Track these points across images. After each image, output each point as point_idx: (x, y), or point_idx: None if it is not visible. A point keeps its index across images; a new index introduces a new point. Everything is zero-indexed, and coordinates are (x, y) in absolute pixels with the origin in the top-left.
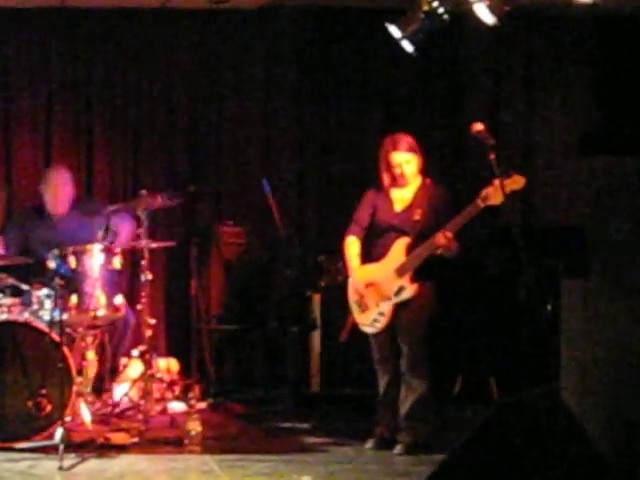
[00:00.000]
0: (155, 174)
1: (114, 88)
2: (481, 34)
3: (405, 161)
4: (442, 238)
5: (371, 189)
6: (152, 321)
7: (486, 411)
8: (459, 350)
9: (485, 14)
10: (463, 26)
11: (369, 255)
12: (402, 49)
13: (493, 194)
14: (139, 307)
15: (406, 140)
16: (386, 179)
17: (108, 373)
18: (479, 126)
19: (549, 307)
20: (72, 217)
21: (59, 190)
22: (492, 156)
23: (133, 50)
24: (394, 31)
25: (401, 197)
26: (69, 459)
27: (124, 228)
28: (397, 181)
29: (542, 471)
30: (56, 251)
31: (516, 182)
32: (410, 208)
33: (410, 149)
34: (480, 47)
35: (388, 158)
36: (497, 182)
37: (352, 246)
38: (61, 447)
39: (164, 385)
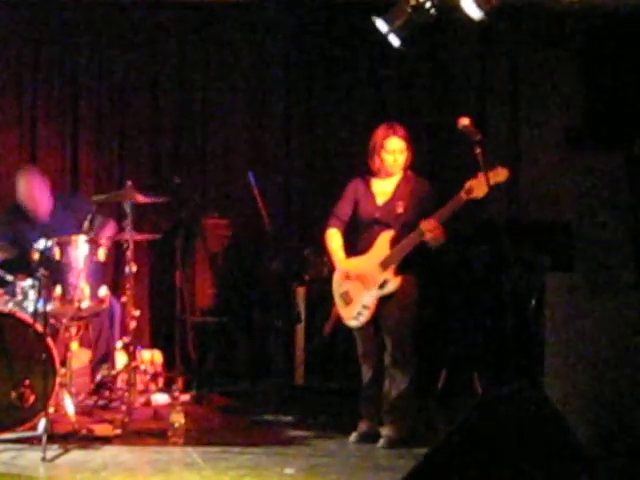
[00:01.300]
0: (141, 166)
1: (100, 81)
2: (468, 28)
3: (399, 149)
4: (427, 224)
5: (353, 181)
6: (136, 313)
7: (470, 405)
8: (443, 344)
9: (472, 9)
10: (450, 20)
11: (354, 248)
12: (389, 43)
13: (477, 187)
14: (123, 299)
15: (403, 129)
16: (375, 164)
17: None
18: (465, 121)
19: (533, 302)
20: (55, 214)
21: (33, 195)
22: (478, 151)
23: (119, 42)
24: (381, 25)
25: (383, 190)
26: (52, 450)
27: (107, 228)
28: (384, 170)
29: (525, 465)
30: (41, 241)
31: (500, 174)
32: (392, 200)
33: (405, 138)
34: (466, 42)
35: (384, 143)
36: (481, 175)
37: (334, 238)
38: (44, 438)
39: (148, 377)
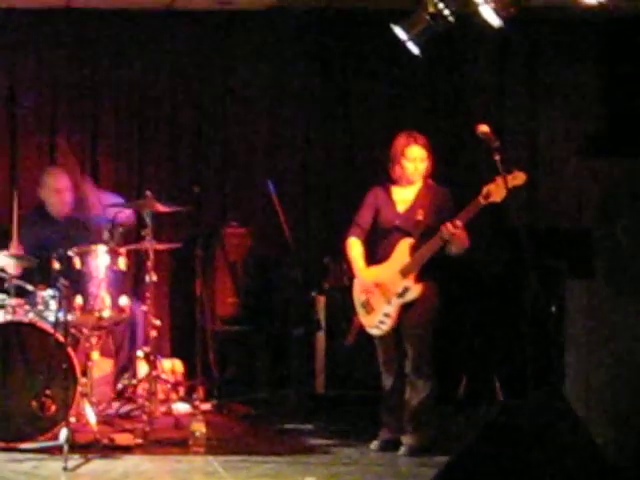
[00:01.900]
0: (160, 175)
1: (120, 89)
2: (486, 36)
3: (420, 157)
4: (451, 228)
5: (373, 189)
6: (157, 322)
7: (491, 413)
8: (464, 351)
9: (491, 16)
10: (468, 28)
11: (373, 256)
12: (407, 50)
13: (495, 191)
14: (144, 308)
15: (424, 138)
16: (396, 173)
17: (119, 373)
18: (484, 127)
19: (554, 308)
20: (75, 217)
21: (59, 193)
22: (497, 157)
23: (139, 51)
24: (399, 32)
25: (403, 198)
26: (73, 460)
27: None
28: (405, 178)
29: (546, 473)
30: (61, 251)
31: (518, 178)
32: (413, 208)
33: (426, 147)
34: (485, 49)
35: (404, 151)
36: (499, 179)
37: (354, 247)
38: (65, 448)
39: (169, 386)
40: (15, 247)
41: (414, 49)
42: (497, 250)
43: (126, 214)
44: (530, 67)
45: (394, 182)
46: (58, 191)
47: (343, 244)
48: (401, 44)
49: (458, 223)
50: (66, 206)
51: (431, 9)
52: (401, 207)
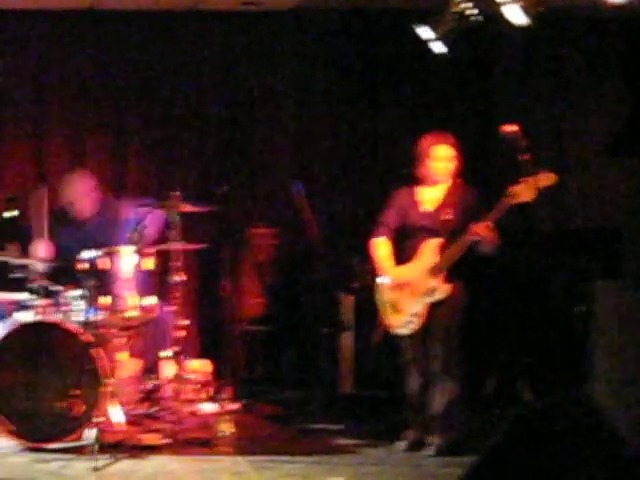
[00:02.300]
0: (187, 176)
1: (145, 90)
2: (512, 35)
3: (447, 157)
4: (480, 228)
5: (399, 189)
6: (185, 322)
7: (517, 413)
8: (490, 351)
9: (517, 15)
10: (493, 27)
11: (401, 256)
12: (433, 50)
13: (523, 191)
14: (172, 309)
15: (450, 137)
16: (421, 173)
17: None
18: (512, 128)
19: (582, 309)
20: (100, 218)
21: (84, 195)
22: (524, 157)
23: (164, 53)
24: (425, 32)
25: (431, 197)
26: (101, 460)
27: (153, 221)
28: (431, 177)
29: (573, 475)
30: (89, 252)
31: (547, 178)
32: (440, 208)
33: (454, 147)
34: (511, 48)
35: (431, 151)
36: (527, 179)
37: (381, 247)
38: (94, 448)
39: (196, 386)
40: (43, 247)
41: (440, 49)
42: (525, 250)
43: (157, 215)
44: (556, 66)
45: (420, 182)
46: (82, 194)
47: (369, 244)
48: (426, 44)
49: (486, 224)
50: (89, 208)
51: (456, 9)
52: (428, 207)
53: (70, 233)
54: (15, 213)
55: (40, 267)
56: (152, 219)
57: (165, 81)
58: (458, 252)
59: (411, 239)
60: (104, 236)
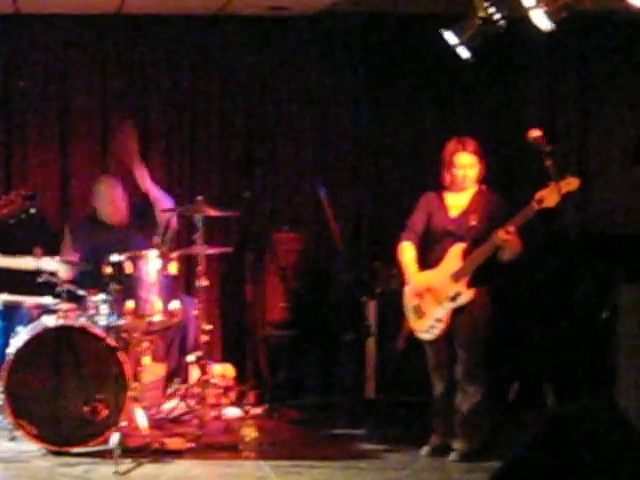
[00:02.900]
0: (211, 180)
1: (170, 94)
2: (537, 39)
3: (469, 164)
4: (505, 233)
5: (426, 194)
6: (208, 327)
7: (542, 418)
8: (515, 356)
9: (542, 20)
10: (519, 32)
11: (425, 261)
12: (458, 55)
13: (548, 196)
14: (195, 313)
15: (473, 143)
16: (446, 180)
17: (170, 378)
18: (536, 132)
19: (606, 313)
20: (129, 224)
21: (112, 201)
22: (549, 162)
23: (189, 57)
24: (450, 37)
25: (457, 203)
26: (125, 464)
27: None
28: (456, 184)
29: None
30: (113, 256)
31: (571, 184)
32: (466, 214)
33: (475, 153)
34: (535, 53)
35: (453, 159)
36: (552, 184)
37: (407, 252)
38: (117, 452)
39: (219, 391)
40: (68, 253)
41: (465, 54)
42: (549, 255)
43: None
44: (581, 71)
45: (446, 188)
46: (111, 200)
47: (395, 248)
48: (452, 48)
49: (511, 229)
50: (120, 214)
51: (482, 13)
52: (454, 212)
53: (100, 237)
54: (33, 211)
55: (64, 272)
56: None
57: (190, 85)
58: (482, 257)
59: (436, 244)
60: (131, 241)
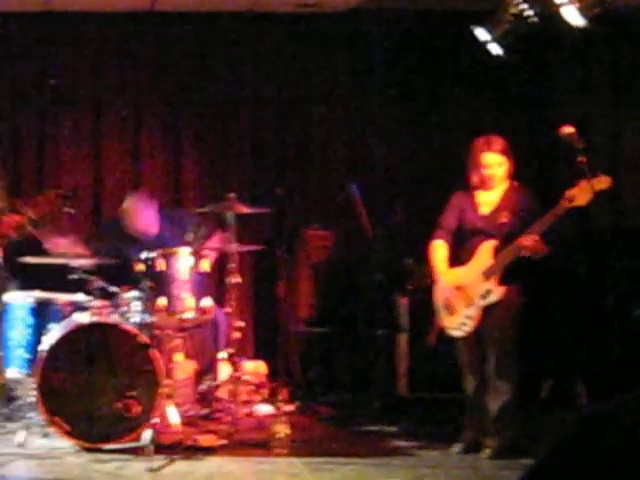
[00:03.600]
0: (243, 177)
1: (202, 92)
2: (569, 36)
3: (497, 163)
4: (528, 240)
5: (457, 192)
6: (240, 324)
7: (574, 416)
8: (547, 354)
9: (574, 16)
10: (551, 28)
11: (456, 258)
12: (490, 52)
13: (579, 194)
14: (227, 310)
15: (500, 142)
16: (475, 179)
17: (202, 375)
18: (569, 129)
19: (638, 310)
20: (160, 230)
21: (143, 217)
22: (581, 159)
23: (221, 54)
24: (482, 34)
25: (488, 200)
26: (157, 461)
27: (214, 238)
28: (485, 183)
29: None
30: (145, 254)
31: (602, 182)
32: (497, 211)
33: (502, 151)
34: (568, 49)
35: (480, 158)
36: (583, 182)
37: (438, 250)
38: (149, 449)
39: (252, 388)
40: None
41: (497, 50)
42: (581, 252)
43: (218, 239)
44: (613, 68)
45: (476, 187)
46: (141, 218)
47: (427, 246)
48: (484, 45)
49: (534, 237)
50: (152, 229)
51: (514, 10)
52: (485, 209)
53: (124, 245)
54: (70, 210)
55: (89, 266)
56: (210, 238)
57: (222, 82)
58: (511, 257)
59: (467, 242)
60: (165, 243)
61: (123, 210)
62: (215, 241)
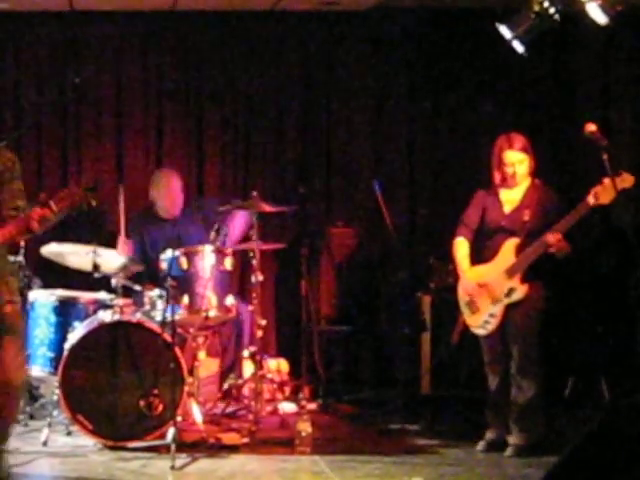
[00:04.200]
0: (265, 175)
1: (224, 90)
2: (592, 34)
3: (518, 161)
4: (551, 238)
5: (480, 190)
6: (263, 322)
7: (598, 414)
8: (570, 351)
9: (597, 13)
10: (574, 26)
11: (479, 256)
12: (512, 49)
13: (603, 193)
14: (250, 308)
15: (521, 140)
16: (497, 177)
17: (225, 373)
18: (592, 127)
19: None
20: (184, 218)
21: (170, 193)
22: (605, 156)
23: (243, 52)
24: (504, 31)
25: (510, 198)
26: (181, 459)
27: (236, 226)
28: (507, 181)
29: None
30: (169, 252)
31: (626, 180)
32: (519, 209)
33: (524, 149)
34: (590, 47)
35: (501, 156)
36: (607, 181)
37: (461, 247)
38: (173, 447)
39: (274, 386)
40: (123, 248)
41: (519, 48)
42: (605, 250)
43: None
44: (636, 65)
45: (499, 185)
46: (169, 192)
47: (450, 244)
48: (506, 43)
49: (557, 235)
50: (177, 207)
51: (536, 7)
52: (508, 207)
53: (156, 232)
54: (93, 203)
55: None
56: (235, 220)
57: (243, 81)
58: (534, 255)
59: (490, 240)
60: (189, 235)
61: (153, 184)
62: (240, 229)
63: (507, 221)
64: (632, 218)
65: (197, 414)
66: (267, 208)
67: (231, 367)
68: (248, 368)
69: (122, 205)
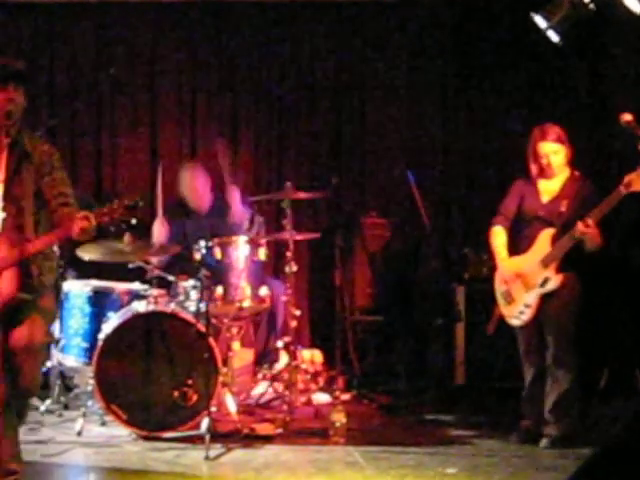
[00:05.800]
0: (299, 166)
1: (257, 80)
2: (627, 23)
3: (553, 152)
4: (581, 225)
5: (519, 179)
6: (297, 312)
7: (633, 405)
8: (605, 342)
9: (633, 3)
10: (609, 15)
11: (515, 246)
12: (547, 39)
13: (636, 180)
14: (284, 299)
15: (555, 131)
16: (534, 169)
17: (259, 363)
18: (628, 117)
19: None
20: (216, 210)
21: (195, 188)
22: None
23: (275, 42)
24: (539, 21)
25: (548, 188)
26: (215, 449)
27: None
28: (544, 172)
29: None
30: (202, 242)
31: None
32: (557, 199)
33: (558, 140)
34: (626, 36)
35: (536, 148)
36: None
37: (498, 236)
38: (207, 437)
39: (308, 376)
40: (160, 230)
41: (554, 37)
42: (638, 240)
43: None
44: None
45: (536, 176)
46: (195, 187)
47: (487, 233)
48: (541, 32)
49: (590, 222)
50: (205, 201)
51: None
52: (545, 197)
53: (187, 226)
54: (133, 221)
55: (156, 259)
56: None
57: (277, 71)
58: (568, 245)
59: (527, 229)
60: (221, 227)
61: (179, 177)
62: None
63: (544, 211)
64: None
65: (231, 404)
66: (301, 195)
67: (265, 357)
68: (282, 359)
69: (160, 186)
